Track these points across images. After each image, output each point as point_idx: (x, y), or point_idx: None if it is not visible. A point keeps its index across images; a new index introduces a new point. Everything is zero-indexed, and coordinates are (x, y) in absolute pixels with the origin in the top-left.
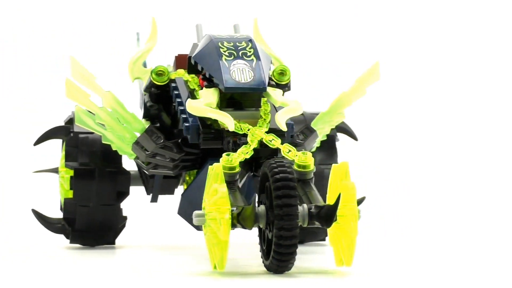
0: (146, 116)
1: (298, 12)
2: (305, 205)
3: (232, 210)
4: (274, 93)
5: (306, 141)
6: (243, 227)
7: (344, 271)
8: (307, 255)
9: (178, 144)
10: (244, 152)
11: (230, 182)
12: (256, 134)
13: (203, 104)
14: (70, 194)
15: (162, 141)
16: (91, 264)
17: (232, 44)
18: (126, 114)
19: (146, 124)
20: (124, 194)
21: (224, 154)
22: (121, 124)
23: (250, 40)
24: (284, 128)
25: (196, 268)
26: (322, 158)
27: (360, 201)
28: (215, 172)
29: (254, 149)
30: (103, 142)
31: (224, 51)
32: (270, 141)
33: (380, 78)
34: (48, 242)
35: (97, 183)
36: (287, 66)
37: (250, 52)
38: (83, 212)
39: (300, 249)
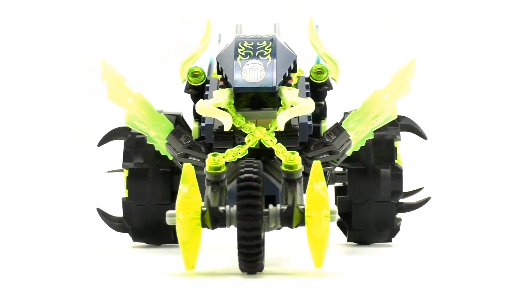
0: (196, 117)
1: (338, 11)
2: (278, 206)
3: (202, 210)
4: (287, 93)
5: (335, 140)
6: (207, 227)
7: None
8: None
9: (206, 144)
10: (236, 153)
11: (215, 182)
12: (256, 134)
13: (211, 104)
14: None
15: (189, 141)
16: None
17: (252, 44)
18: (155, 115)
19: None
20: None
21: (209, 155)
22: (155, 125)
23: (272, 39)
24: (280, 127)
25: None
26: (379, 158)
27: (424, 201)
28: (183, 172)
29: (250, 149)
30: (147, 142)
31: (241, 51)
32: (269, 141)
33: (415, 75)
34: (116, 240)
35: (151, 183)
36: (325, 66)
37: (267, 51)
38: (139, 211)
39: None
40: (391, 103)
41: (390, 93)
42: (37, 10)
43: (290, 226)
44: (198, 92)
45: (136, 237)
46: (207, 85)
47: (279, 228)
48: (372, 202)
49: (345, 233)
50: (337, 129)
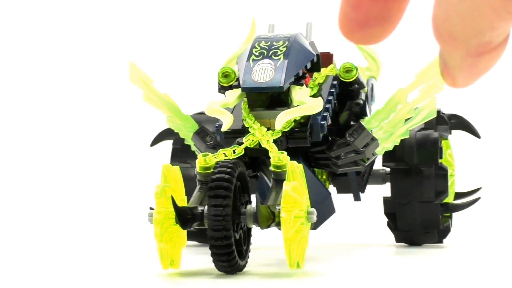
0: None
1: None
2: (255, 205)
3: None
4: (296, 92)
5: (357, 140)
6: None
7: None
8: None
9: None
10: (230, 152)
11: (205, 182)
12: (257, 134)
13: (220, 104)
14: None
15: (212, 141)
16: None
17: (269, 43)
18: (180, 116)
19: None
20: None
21: (200, 155)
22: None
23: (289, 39)
24: (277, 127)
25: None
26: (422, 157)
27: (473, 202)
28: (161, 172)
29: (246, 149)
30: (185, 143)
31: (256, 51)
32: (266, 141)
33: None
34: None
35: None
36: (354, 64)
37: (281, 51)
38: None
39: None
40: (424, 101)
41: (420, 91)
42: (65, 13)
43: (258, 225)
44: None
45: (189, 236)
46: (235, 84)
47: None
48: (416, 202)
49: (393, 233)
50: (359, 128)
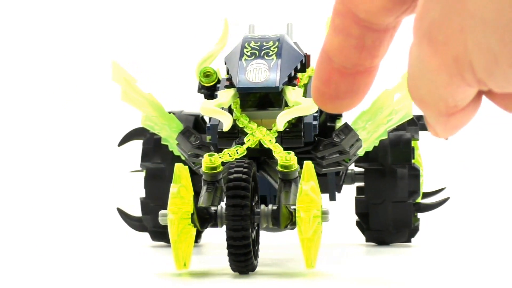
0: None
1: None
2: (270, 206)
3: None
4: (291, 93)
5: (344, 140)
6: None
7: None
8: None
9: (214, 144)
10: (233, 152)
11: (211, 182)
12: (257, 134)
13: (214, 105)
14: None
15: (198, 141)
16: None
17: (259, 44)
18: (165, 116)
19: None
20: (197, 194)
21: (206, 154)
22: (166, 125)
23: (278, 39)
24: (279, 127)
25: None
26: (396, 158)
27: (443, 202)
28: (174, 172)
29: (250, 149)
30: (162, 142)
31: (247, 51)
32: (268, 141)
33: None
34: (135, 239)
35: (168, 182)
36: None
37: (273, 51)
38: (157, 210)
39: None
40: (404, 102)
41: (402, 92)
42: (47, 11)
43: (279, 226)
44: (210, 92)
45: (155, 236)
46: (218, 85)
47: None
48: (389, 202)
49: (363, 233)
50: (346, 128)
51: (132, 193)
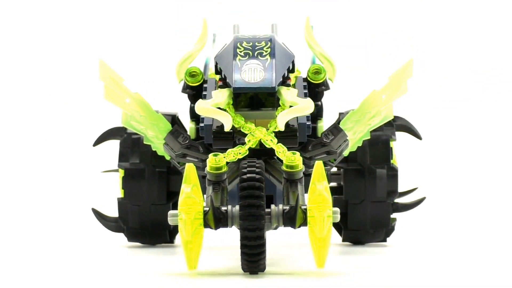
0: (192, 117)
1: (336, 11)
2: (280, 206)
3: (204, 210)
4: (286, 93)
5: (333, 141)
6: (210, 227)
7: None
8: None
9: (205, 144)
10: (237, 153)
11: (217, 182)
12: (256, 134)
13: (210, 105)
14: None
15: (187, 141)
16: (143, 262)
17: (251, 44)
18: (153, 115)
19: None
20: (176, 194)
21: (211, 155)
22: (154, 125)
23: (270, 40)
24: (281, 127)
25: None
26: (375, 158)
27: (419, 201)
28: (185, 173)
29: (250, 149)
30: (144, 142)
31: (240, 51)
32: (270, 141)
33: (413, 75)
34: (111, 240)
35: (147, 183)
36: (322, 66)
37: (266, 51)
38: (135, 211)
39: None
40: (388, 104)
41: (387, 93)
42: (34, 10)
43: (293, 226)
44: (195, 92)
45: (132, 237)
46: (204, 85)
47: (275, 228)
48: (368, 202)
49: (340, 233)
50: (335, 129)
51: (106, 193)
